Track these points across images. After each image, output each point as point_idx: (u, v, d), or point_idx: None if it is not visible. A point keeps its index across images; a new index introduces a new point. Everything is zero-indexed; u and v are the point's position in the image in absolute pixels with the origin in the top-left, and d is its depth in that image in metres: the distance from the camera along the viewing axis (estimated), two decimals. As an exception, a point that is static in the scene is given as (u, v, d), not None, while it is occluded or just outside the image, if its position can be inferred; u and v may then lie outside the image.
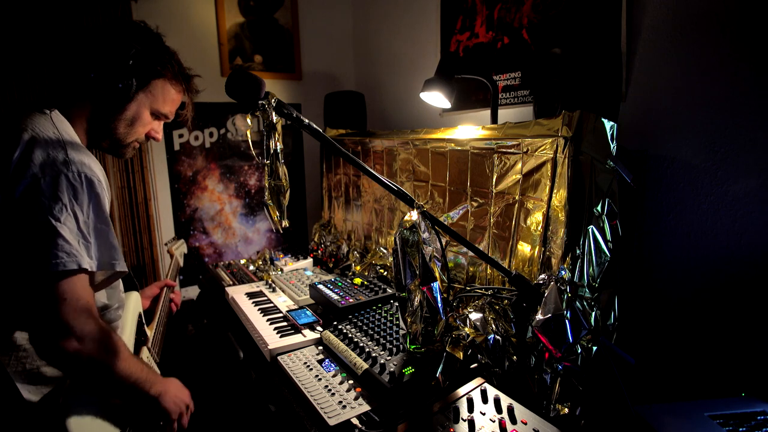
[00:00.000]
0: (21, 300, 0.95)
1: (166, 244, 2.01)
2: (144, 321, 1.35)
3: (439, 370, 1.14)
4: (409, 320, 1.13)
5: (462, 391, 1.07)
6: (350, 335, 1.34)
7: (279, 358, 1.31)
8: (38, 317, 0.88)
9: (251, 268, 2.18)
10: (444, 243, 1.32)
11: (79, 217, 0.91)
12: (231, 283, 2.00)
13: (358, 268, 2.01)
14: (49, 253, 0.86)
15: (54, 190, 0.89)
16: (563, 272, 1.09)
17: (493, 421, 0.96)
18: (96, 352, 0.91)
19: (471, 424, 0.96)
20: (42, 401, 0.97)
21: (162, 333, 1.44)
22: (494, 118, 1.65)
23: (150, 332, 1.34)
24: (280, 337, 1.42)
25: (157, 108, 1.15)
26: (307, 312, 1.57)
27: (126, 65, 1.04)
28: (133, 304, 1.30)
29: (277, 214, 1.07)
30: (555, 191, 1.15)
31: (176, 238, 2.09)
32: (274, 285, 1.90)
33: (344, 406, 1.07)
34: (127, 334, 1.20)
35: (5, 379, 0.92)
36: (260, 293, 1.82)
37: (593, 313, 1.08)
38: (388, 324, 1.40)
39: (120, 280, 1.22)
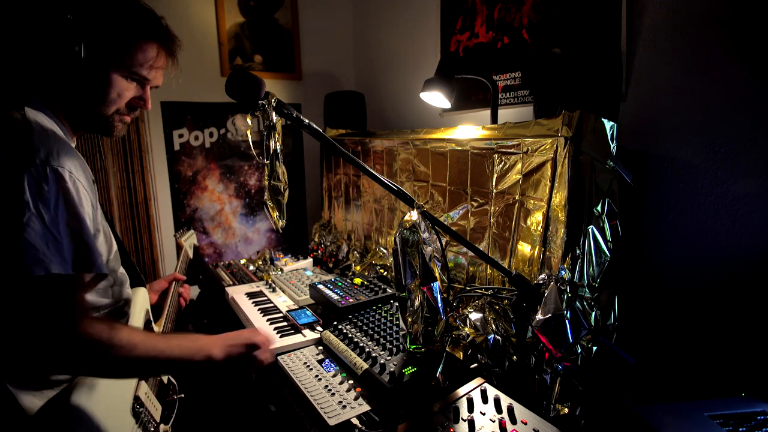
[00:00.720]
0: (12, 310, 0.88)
1: (174, 236, 1.92)
2: (152, 317, 1.33)
3: (439, 370, 1.14)
4: (409, 320, 1.14)
5: (462, 391, 1.07)
6: (350, 335, 1.34)
7: (279, 358, 1.31)
8: (35, 327, 0.82)
9: (251, 268, 2.18)
10: (444, 243, 1.32)
11: (44, 216, 0.82)
12: (231, 283, 2.00)
13: (358, 268, 2.01)
14: (18, 259, 0.79)
15: (16, 189, 0.81)
16: (563, 272, 1.09)
17: (493, 421, 0.96)
18: (105, 354, 0.85)
19: (471, 424, 0.96)
20: (45, 407, 0.93)
21: (170, 330, 1.42)
22: (494, 118, 1.65)
23: (158, 329, 1.33)
24: (280, 337, 1.42)
25: (127, 69, 1.00)
26: (307, 312, 1.57)
27: (67, 29, 0.92)
28: (141, 300, 1.27)
29: (277, 213, 1.07)
30: (555, 191, 1.15)
31: (186, 229, 2.00)
32: (274, 285, 1.90)
33: (344, 406, 1.07)
34: None
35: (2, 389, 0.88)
36: (260, 293, 1.82)
37: (593, 313, 1.08)
38: (388, 324, 1.40)
39: (126, 276, 1.19)
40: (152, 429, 1.09)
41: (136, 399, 1.06)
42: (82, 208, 0.89)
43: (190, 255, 1.91)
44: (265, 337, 1.10)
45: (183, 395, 1.25)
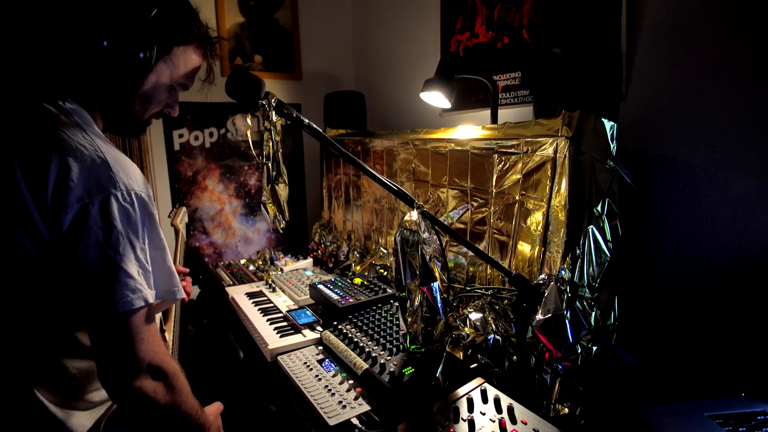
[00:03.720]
0: (77, 332, 0.87)
1: (169, 216, 1.76)
2: (163, 322, 1.30)
3: (439, 370, 1.14)
4: (409, 320, 1.14)
5: (462, 391, 1.07)
6: (350, 335, 1.34)
7: (279, 358, 1.31)
8: (110, 357, 0.80)
9: (251, 268, 2.18)
10: (444, 243, 1.32)
11: (136, 245, 0.80)
12: (231, 283, 2.00)
13: (358, 268, 2.01)
14: (113, 291, 0.76)
15: (106, 217, 0.77)
16: (563, 272, 1.09)
17: (493, 421, 0.96)
18: (170, 391, 0.85)
19: (471, 424, 0.95)
20: (93, 427, 0.92)
21: (177, 333, 1.38)
22: (494, 118, 1.65)
23: (169, 335, 1.27)
24: (280, 337, 1.42)
25: (178, 78, 0.98)
26: (307, 312, 1.57)
27: (146, 29, 0.86)
28: None
29: (276, 213, 1.07)
30: (555, 191, 1.15)
31: (177, 206, 1.85)
32: (274, 285, 1.90)
33: (344, 406, 1.07)
34: None
35: (43, 413, 0.86)
36: (260, 293, 1.82)
37: (593, 313, 1.08)
38: (388, 324, 1.40)
39: None
40: None
41: None
42: (161, 234, 0.88)
43: (185, 237, 1.76)
44: None
45: None
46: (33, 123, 0.84)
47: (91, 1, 0.84)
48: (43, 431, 0.87)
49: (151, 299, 0.81)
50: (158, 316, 1.24)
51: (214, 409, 1.08)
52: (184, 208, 1.85)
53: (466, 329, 1.23)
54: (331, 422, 1.02)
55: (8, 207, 0.76)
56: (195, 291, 2.48)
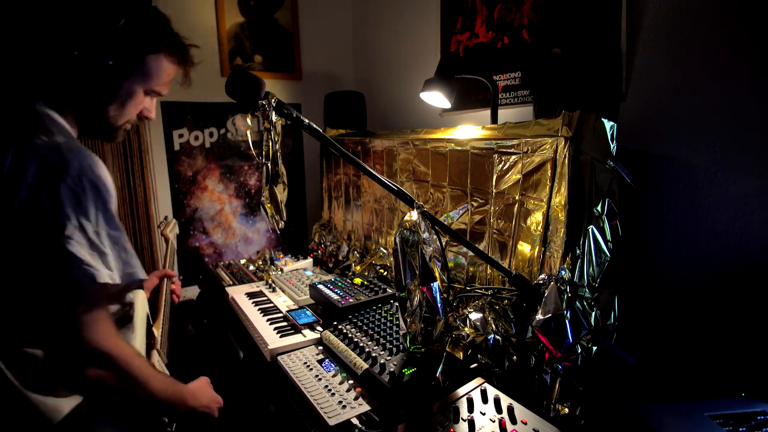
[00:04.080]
0: (31, 317, 0.88)
1: (159, 226, 1.84)
2: (150, 318, 1.32)
3: (439, 370, 1.14)
4: (408, 320, 1.14)
5: (462, 391, 1.07)
6: (350, 335, 1.34)
7: (279, 358, 1.31)
8: (58, 341, 0.82)
9: (251, 268, 2.18)
10: (444, 243, 1.32)
11: (87, 228, 0.83)
12: (231, 283, 2.00)
13: (358, 268, 2.01)
14: (62, 273, 0.79)
15: (55, 202, 0.80)
16: (563, 272, 1.09)
17: (493, 421, 0.96)
18: (121, 378, 0.85)
19: (471, 424, 0.95)
20: (71, 414, 0.91)
21: (167, 331, 1.39)
22: (494, 118, 1.65)
23: (157, 332, 1.29)
24: (280, 337, 1.42)
25: (152, 86, 1.02)
26: (307, 312, 1.57)
27: (116, 39, 0.91)
28: (141, 302, 1.25)
29: (275, 214, 1.07)
30: (555, 191, 1.15)
31: (167, 219, 1.93)
32: (274, 285, 1.90)
33: (344, 406, 1.07)
34: (138, 338, 1.15)
35: (18, 397, 0.86)
36: (260, 293, 1.82)
37: (593, 313, 1.08)
38: (388, 324, 1.40)
39: None
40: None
41: None
42: (116, 217, 0.89)
43: (175, 245, 1.84)
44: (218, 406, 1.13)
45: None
46: (1, 122, 0.89)
47: (62, 12, 0.89)
48: (15, 414, 0.87)
49: (105, 280, 0.83)
50: (143, 311, 1.25)
51: (198, 384, 1.10)
52: (174, 220, 1.95)
53: (466, 329, 1.23)
54: (331, 422, 1.02)
55: None
56: (195, 291, 2.48)
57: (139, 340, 1.15)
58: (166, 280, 1.52)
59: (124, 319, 1.13)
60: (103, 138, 1.07)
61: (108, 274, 0.83)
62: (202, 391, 1.09)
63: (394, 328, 1.37)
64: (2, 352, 0.88)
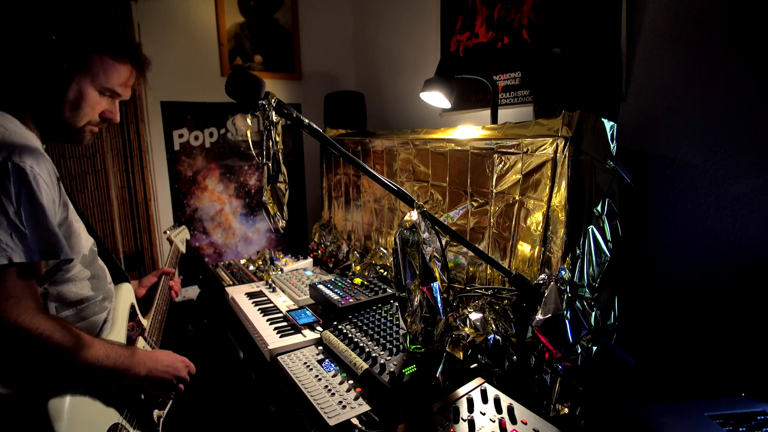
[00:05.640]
0: None
1: (165, 232, 1.95)
2: (139, 311, 1.34)
3: (439, 370, 1.14)
4: (409, 320, 1.14)
5: (462, 391, 1.07)
6: (350, 335, 1.34)
7: (279, 358, 1.31)
8: None
9: (251, 268, 2.18)
10: (444, 243, 1.32)
11: (8, 208, 0.88)
12: (231, 283, 2.00)
13: (358, 268, 2.01)
14: None
15: None
16: (563, 272, 1.09)
17: (493, 421, 0.96)
18: (45, 350, 0.89)
19: (471, 424, 0.96)
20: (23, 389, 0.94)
21: (161, 322, 1.42)
22: (494, 118, 1.65)
23: (146, 322, 1.33)
24: (280, 337, 1.42)
25: (102, 84, 1.06)
26: (307, 312, 1.57)
27: (50, 46, 0.97)
28: (124, 295, 1.29)
29: (276, 214, 1.07)
30: (555, 191, 1.15)
31: (176, 225, 2.02)
32: (274, 285, 1.90)
33: (344, 406, 1.07)
34: (117, 327, 1.19)
35: None
36: (260, 293, 1.82)
37: (593, 313, 1.08)
38: (388, 324, 1.40)
39: (106, 270, 1.21)
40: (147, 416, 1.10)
41: (115, 427, 1.05)
42: (44, 201, 0.93)
43: (182, 250, 1.92)
44: (188, 370, 1.20)
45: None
46: None
47: (2, 18, 0.98)
48: None
49: (21, 258, 0.87)
50: (128, 302, 1.29)
51: (158, 351, 1.16)
52: (185, 227, 2.04)
53: (466, 329, 1.23)
54: (331, 422, 1.02)
55: None
56: (195, 291, 2.48)
57: (117, 328, 1.19)
58: (164, 277, 1.56)
59: (98, 308, 1.15)
60: (69, 141, 1.12)
61: (25, 253, 0.88)
62: (161, 354, 1.14)
63: (394, 328, 1.37)
64: None
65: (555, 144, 1.14)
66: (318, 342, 1.41)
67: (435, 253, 1.09)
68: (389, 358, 1.21)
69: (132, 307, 1.30)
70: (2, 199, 0.87)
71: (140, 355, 1.08)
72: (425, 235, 1.08)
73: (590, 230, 1.10)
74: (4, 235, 0.87)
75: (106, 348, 1.00)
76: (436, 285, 1.08)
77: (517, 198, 1.28)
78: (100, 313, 1.16)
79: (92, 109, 1.07)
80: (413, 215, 1.09)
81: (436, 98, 1.69)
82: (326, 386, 1.15)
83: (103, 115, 1.10)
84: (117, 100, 1.12)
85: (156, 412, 1.20)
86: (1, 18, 1.00)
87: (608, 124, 1.10)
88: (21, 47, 0.97)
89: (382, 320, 1.43)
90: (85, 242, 1.12)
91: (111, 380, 1.05)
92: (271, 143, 1.01)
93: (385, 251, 1.97)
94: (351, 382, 1.17)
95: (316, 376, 1.21)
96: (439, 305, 1.09)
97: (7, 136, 0.93)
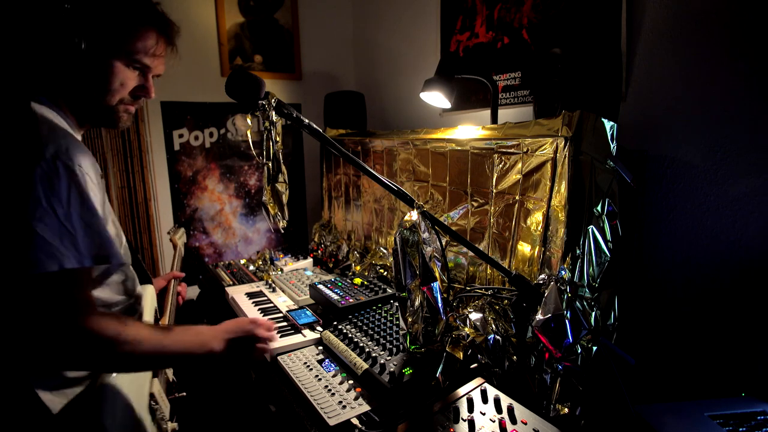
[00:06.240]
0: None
1: (168, 233, 1.94)
2: (159, 314, 1.34)
3: (439, 370, 1.14)
4: (409, 320, 1.14)
5: (462, 391, 1.07)
6: (350, 335, 1.34)
7: (279, 358, 1.31)
8: (30, 322, 0.81)
9: (251, 268, 2.18)
10: (444, 243, 1.33)
11: (58, 210, 0.82)
12: (231, 283, 2.00)
13: (358, 268, 2.01)
14: (27, 253, 0.78)
15: (27, 184, 0.81)
16: (563, 272, 1.09)
17: (493, 421, 0.96)
18: (128, 347, 0.85)
19: (471, 424, 0.96)
20: (67, 408, 0.90)
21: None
22: (494, 118, 1.65)
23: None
24: (280, 337, 1.42)
25: (127, 55, 1.00)
26: (307, 312, 1.57)
27: (80, 15, 0.92)
28: (149, 297, 1.26)
29: (277, 214, 1.07)
30: (555, 191, 1.15)
31: (177, 227, 2.01)
32: (274, 285, 1.90)
33: (344, 406, 1.07)
34: None
35: (25, 388, 0.86)
36: (260, 293, 1.82)
37: (593, 313, 1.08)
38: (388, 324, 1.40)
39: (134, 272, 1.17)
40: (164, 426, 1.09)
41: (151, 396, 1.06)
42: (95, 202, 0.89)
43: (182, 252, 1.91)
44: (266, 328, 1.12)
45: (185, 393, 1.25)
46: None
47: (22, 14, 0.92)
48: (16, 405, 0.86)
49: (73, 264, 0.82)
50: (152, 305, 1.25)
51: (222, 324, 1.10)
52: (182, 228, 2.03)
53: (466, 329, 1.23)
54: (331, 422, 1.02)
55: None
56: (195, 291, 2.48)
57: None
58: (173, 281, 1.54)
59: (131, 311, 1.12)
60: (106, 123, 1.07)
61: (76, 258, 0.83)
62: (229, 323, 1.09)
63: (394, 328, 1.37)
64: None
65: (555, 144, 1.14)
66: (318, 342, 1.41)
67: (435, 253, 1.09)
68: (389, 358, 1.21)
69: (155, 312, 1.28)
70: (52, 200, 0.82)
71: (205, 329, 1.04)
72: (425, 235, 1.08)
73: (590, 230, 1.10)
74: (54, 239, 0.81)
75: (176, 333, 0.97)
76: (436, 285, 1.08)
77: (517, 198, 1.28)
78: (133, 315, 1.13)
79: (123, 86, 1.01)
80: (413, 215, 1.09)
81: (436, 98, 1.69)
82: (326, 386, 1.15)
83: (135, 92, 1.05)
84: (150, 75, 1.06)
85: (170, 425, 1.17)
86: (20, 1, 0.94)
87: (608, 124, 1.10)
88: (41, 26, 0.91)
89: (382, 320, 1.43)
90: (121, 243, 1.08)
91: (186, 364, 1.01)
92: (271, 143, 1.01)
93: (385, 251, 1.97)
94: (351, 382, 1.17)
95: (316, 376, 1.21)
96: (440, 305, 1.09)
97: (52, 130, 0.89)
